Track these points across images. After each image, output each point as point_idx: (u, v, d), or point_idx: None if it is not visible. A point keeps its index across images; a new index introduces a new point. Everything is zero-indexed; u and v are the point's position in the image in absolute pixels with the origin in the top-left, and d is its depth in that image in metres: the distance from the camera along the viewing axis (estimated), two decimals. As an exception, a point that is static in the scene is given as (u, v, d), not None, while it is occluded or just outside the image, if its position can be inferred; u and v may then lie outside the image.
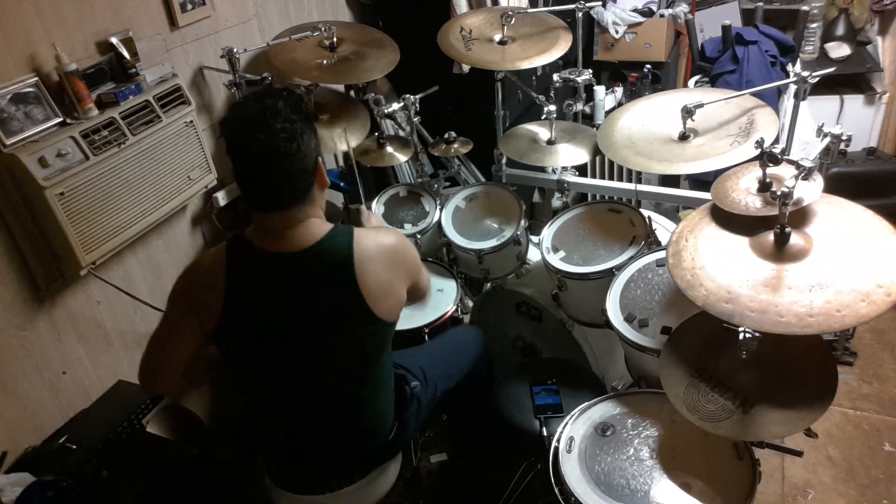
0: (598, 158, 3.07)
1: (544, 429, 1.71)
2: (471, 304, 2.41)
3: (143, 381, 1.46)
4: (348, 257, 1.36)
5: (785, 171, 1.46)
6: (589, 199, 2.59)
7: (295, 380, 1.48)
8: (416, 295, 1.59)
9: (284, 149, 1.28)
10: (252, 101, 1.31)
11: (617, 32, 3.33)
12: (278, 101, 1.29)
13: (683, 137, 1.87)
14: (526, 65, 2.17)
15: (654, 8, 3.36)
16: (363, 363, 1.48)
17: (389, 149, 2.32)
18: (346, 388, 1.49)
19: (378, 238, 1.44)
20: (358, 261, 1.36)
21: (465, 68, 2.62)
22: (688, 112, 1.82)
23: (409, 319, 2.00)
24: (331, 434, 1.54)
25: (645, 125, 1.97)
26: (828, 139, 1.58)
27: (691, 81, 3.34)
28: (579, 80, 2.32)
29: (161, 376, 1.45)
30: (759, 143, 1.44)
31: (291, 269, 1.37)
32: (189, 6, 2.02)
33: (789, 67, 3.10)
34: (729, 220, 1.49)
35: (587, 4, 2.21)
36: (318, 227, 1.39)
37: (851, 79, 3.44)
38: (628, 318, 1.72)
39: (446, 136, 2.36)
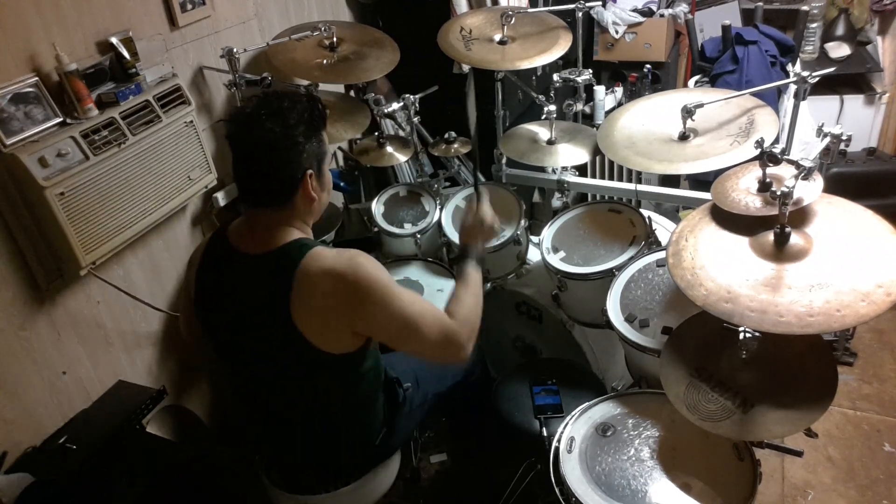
0: (598, 158, 3.08)
1: (544, 429, 1.71)
2: (471, 304, 2.40)
3: (185, 333, 1.65)
4: (290, 273, 1.28)
5: (785, 171, 1.46)
6: (589, 199, 2.59)
7: (265, 383, 1.47)
8: (413, 352, 1.37)
9: (270, 148, 1.28)
10: (264, 98, 1.32)
11: (617, 32, 3.33)
12: (285, 103, 1.29)
13: (683, 137, 1.87)
14: (526, 65, 2.17)
15: (654, 8, 3.36)
16: (329, 380, 1.42)
17: (389, 149, 2.32)
18: (318, 398, 1.46)
19: (332, 259, 1.29)
20: (298, 279, 1.27)
21: (465, 68, 2.62)
22: (688, 112, 1.82)
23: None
24: (312, 438, 1.53)
25: (645, 125, 1.97)
26: (828, 139, 1.58)
27: (691, 81, 3.34)
28: (579, 80, 2.32)
29: (187, 327, 1.62)
30: (759, 143, 1.44)
31: (247, 271, 1.35)
32: (189, 6, 2.02)
33: (789, 67, 3.10)
34: (729, 220, 1.49)
35: (587, 4, 2.21)
36: (286, 234, 1.34)
37: (851, 79, 3.44)
38: (629, 319, 1.72)
39: (446, 136, 2.36)
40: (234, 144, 1.32)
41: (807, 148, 2.33)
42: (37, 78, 1.57)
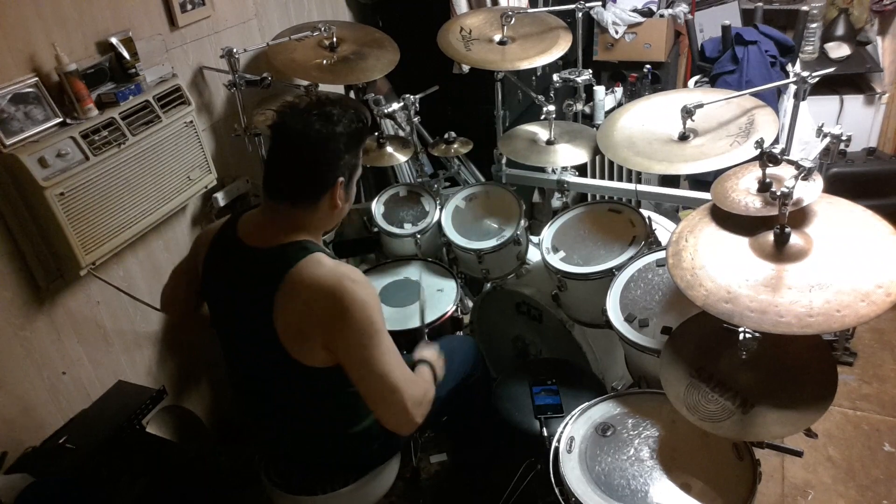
0: (597, 158, 3.07)
1: (544, 429, 1.71)
2: (471, 304, 2.41)
3: (161, 301, 1.70)
4: (281, 274, 1.27)
5: (785, 172, 1.46)
6: (589, 199, 2.59)
7: (256, 375, 1.47)
8: (366, 381, 1.28)
9: (307, 147, 1.29)
10: (318, 100, 1.34)
11: (617, 32, 3.33)
12: (336, 109, 1.31)
13: (683, 137, 1.87)
14: (526, 65, 2.17)
15: (654, 8, 3.36)
16: (308, 388, 1.41)
17: (389, 149, 2.32)
18: (305, 399, 1.45)
19: (325, 270, 1.26)
20: (286, 281, 1.26)
21: (465, 68, 2.62)
22: (688, 112, 1.82)
23: (410, 319, 2.00)
24: (303, 436, 1.53)
25: (645, 125, 1.97)
26: (827, 139, 1.58)
27: (691, 81, 3.33)
28: (579, 80, 2.32)
29: (170, 299, 1.66)
30: (759, 144, 1.44)
31: (245, 264, 1.36)
32: (189, 6, 2.02)
33: (789, 67, 3.09)
34: (729, 220, 1.49)
35: (587, 4, 2.21)
36: (293, 234, 1.34)
37: (851, 79, 3.44)
38: (628, 319, 1.72)
39: (446, 136, 2.36)
40: (278, 134, 1.33)
41: (807, 148, 2.32)
42: (37, 78, 1.57)
